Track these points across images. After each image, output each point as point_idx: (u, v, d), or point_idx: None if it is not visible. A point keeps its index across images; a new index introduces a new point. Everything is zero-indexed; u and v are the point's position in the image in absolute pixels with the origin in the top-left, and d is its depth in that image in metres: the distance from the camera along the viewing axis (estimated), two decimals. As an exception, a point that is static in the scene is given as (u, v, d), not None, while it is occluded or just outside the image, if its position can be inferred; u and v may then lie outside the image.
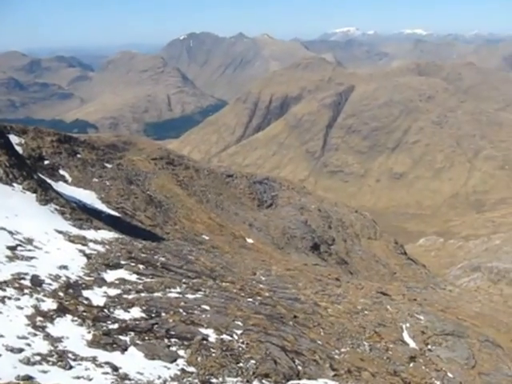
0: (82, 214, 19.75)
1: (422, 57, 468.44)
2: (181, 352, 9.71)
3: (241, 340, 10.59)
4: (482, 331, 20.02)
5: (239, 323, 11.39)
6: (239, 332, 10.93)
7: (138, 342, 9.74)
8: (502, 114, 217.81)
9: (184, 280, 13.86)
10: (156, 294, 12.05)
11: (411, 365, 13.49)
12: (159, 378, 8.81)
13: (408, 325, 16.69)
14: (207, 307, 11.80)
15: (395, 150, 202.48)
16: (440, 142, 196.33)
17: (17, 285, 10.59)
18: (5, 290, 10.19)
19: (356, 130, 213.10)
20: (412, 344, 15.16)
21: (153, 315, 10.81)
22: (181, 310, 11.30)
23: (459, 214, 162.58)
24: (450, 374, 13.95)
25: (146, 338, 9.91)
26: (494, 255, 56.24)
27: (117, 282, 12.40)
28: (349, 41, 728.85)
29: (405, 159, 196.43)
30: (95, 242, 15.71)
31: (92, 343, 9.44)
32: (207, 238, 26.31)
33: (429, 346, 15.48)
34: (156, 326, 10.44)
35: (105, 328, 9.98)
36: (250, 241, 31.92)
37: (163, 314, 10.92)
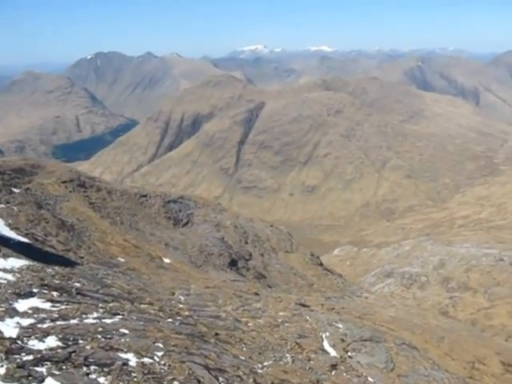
0: (-11, 242, 18.86)
1: (328, 73, 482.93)
2: (101, 379, 9.41)
3: (162, 362, 10.40)
4: (398, 335, 20.63)
5: (160, 345, 11.19)
6: (160, 354, 10.73)
7: (55, 372, 9.36)
8: (405, 125, 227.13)
9: (101, 305, 13.50)
10: (72, 321, 11.65)
11: (333, 373, 13.69)
12: (79, 407, 8.50)
13: (328, 334, 16.96)
14: (126, 331, 11.52)
15: (307, 163, 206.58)
16: (349, 155, 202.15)
17: None
18: None
19: (268, 145, 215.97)
20: (332, 352, 15.40)
21: (70, 343, 10.43)
22: (99, 336, 10.97)
23: (371, 222, 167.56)
24: (370, 379, 14.28)
25: (64, 367, 9.53)
26: (405, 261, 58.24)
27: (30, 311, 11.90)
28: (257, 58, 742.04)
29: (316, 172, 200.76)
30: (4, 270, 15.04)
31: (6, 377, 8.99)
32: (123, 260, 25.78)
33: (349, 353, 15.77)
34: (74, 354, 10.07)
35: (19, 360, 9.52)
36: (167, 261, 31.54)
37: (81, 342, 10.55)
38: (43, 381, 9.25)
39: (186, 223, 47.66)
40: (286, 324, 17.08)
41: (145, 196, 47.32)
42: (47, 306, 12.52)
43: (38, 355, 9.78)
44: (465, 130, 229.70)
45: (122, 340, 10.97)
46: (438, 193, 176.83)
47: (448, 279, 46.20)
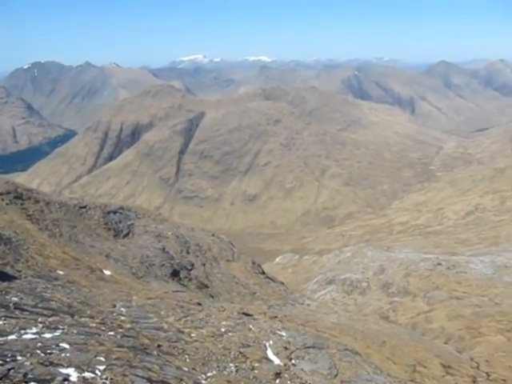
0: None
1: (267, 82, 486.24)
2: (40, 396, 9.18)
3: (104, 376, 10.20)
4: (341, 341, 20.89)
5: (101, 358, 10.98)
6: (102, 368, 10.53)
7: (-9, 390, 9.08)
8: (344, 133, 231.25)
9: (40, 319, 13.15)
10: (10, 337, 11.30)
11: (277, 381, 13.74)
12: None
13: (271, 342, 17.01)
14: (66, 345, 11.26)
15: (247, 172, 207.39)
16: (289, 163, 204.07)
17: None
18: None
19: (208, 155, 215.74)
20: (276, 360, 15.45)
21: (8, 360, 10.11)
22: (38, 351, 10.68)
23: (311, 230, 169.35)
24: (314, 386, 14.41)
25: (1, 385, 9.27)
26: (346, 267, 59.07)
27: (-36, 328, 11.51)
28: (196, 68, 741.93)
29: (257, 181, 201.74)
30: None
31: None
32: (62, 273, 25.17)
33: (292, 361, 15.86)
34: (12, 370, 9.77)
35: (-47, 380, 9.20)
36: (107, 272, 30.99)
37: (19, 358, 10.25)
38: (-21, 400, 8.95)
39: (127, 234, 47.01)
40: (230, 333, 17.06)
41: (84, 207, 46.43)
42: (-17, 322, 12.12)
43: (-26, 374, 9.46)
44: (401, 138, 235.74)
45: (63, 355, 10.72)
46: (377, 200, 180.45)
47: (388, 284, 47.13)
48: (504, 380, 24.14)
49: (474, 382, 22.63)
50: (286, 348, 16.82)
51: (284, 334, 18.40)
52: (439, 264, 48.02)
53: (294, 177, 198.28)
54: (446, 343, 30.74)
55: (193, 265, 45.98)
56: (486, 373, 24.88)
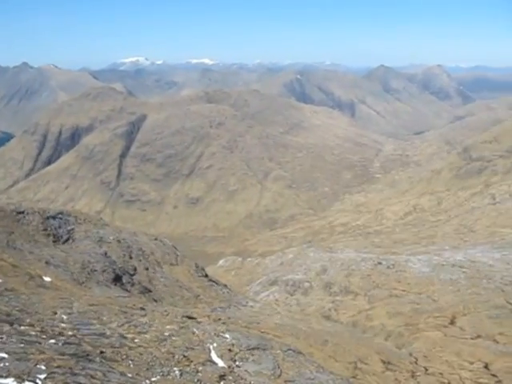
0: None
1: (210, 85, 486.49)
2: (-21, 407, 8.98)
3: (45, 384, 10.07)
4: (284, 341, 21.12)
5: (42, 367, 10.80)
6: (43, 376, 10.36)
7: None
8: (286, 136, 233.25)
9: (-23, 329, 12.82)
10: None
11: (222, 383, 13.81)
12: None
13: (215, 345, 17.05)
14: (5, 355, 11.03)
15: (190, 175, 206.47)
16: (232, 166, 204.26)
17: None
18: None
19: (150, 158, 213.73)
20: (220, 363, 15.50)
21: None
22: (-25, 362, 10.45)
23: (254, 232, 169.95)
24: (258, 387, 14.54)
25: None
26: (288, 268, 59.57)
27: None
28: (138, 70, 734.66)
29: (200, 184, 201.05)
30: None
31: None
32: (0, 280, 24.55)
33: (237, 363, 15.94)
34: None
35: None
36: (47, 279, 30.32)
37: (-45, 369, 10.01)
38: None
39: (67, 240, 46.06)
40: (173, 337, 17.02)
41: (22, 213, 45.25)
42: None
43: None
44: (342, 141, 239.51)
45: (1, 365, 10.51)
46: (318, 201, 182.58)
47: (330, 284, 47.79)
48: (441, 374, 24.93)
49: (413, 376, 23.28)
50: (230, 350, 16.90)
51: (228, 336, 18.47)
52: (379, 263, 49.04)
53: (237, 179, 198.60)
54: (386, 340, 31.45)
55: (135, 269, 45.45)
56: (424, 367, 25.64)
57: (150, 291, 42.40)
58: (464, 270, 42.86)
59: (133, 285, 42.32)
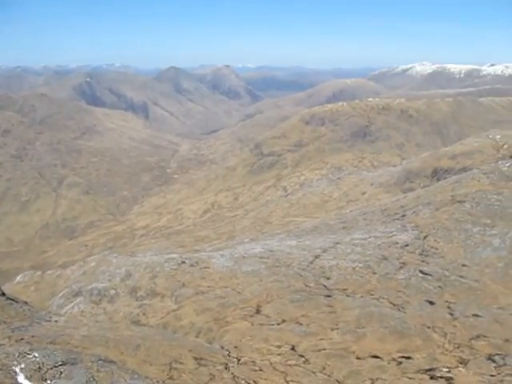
0: None
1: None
2: None
3: None
4: (94, 352, 20.71)
5: None
6: None
7: None
8: (79, 141, 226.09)
9: None
10: None
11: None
12: None
13: (23, 366, 16.32)
14: None
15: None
16: (23, 175, 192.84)
17: None
18: None
19: None
20: (29, 384, 14.92)
21: None
22: None
23: (53, 243, 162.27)
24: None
25: None
26: (92, 277, 57.97)
27: None
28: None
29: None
30: None
31: None
32: None
33: (48, 381, 15.43)
34: None
35: None
36: None
37: None
38: None
39: None
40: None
41: None
42: None
43: None
44: (138, 143, 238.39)
45: None
46: (117, 206, 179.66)
47: (136, 288, 47.44)
48: (253, 362, 26.28)
49: (226, 368, 24.23)
50: (39, 369, 16.31)
51: (35, 354, 17.74)
52: (183, 262, 49.75)
53: (29, 189, 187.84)
54: (197, 337, 32.23)
55: None
56: (237, 358, 26.80)
57: None
58: (264, 260, 45.25)
59: None
